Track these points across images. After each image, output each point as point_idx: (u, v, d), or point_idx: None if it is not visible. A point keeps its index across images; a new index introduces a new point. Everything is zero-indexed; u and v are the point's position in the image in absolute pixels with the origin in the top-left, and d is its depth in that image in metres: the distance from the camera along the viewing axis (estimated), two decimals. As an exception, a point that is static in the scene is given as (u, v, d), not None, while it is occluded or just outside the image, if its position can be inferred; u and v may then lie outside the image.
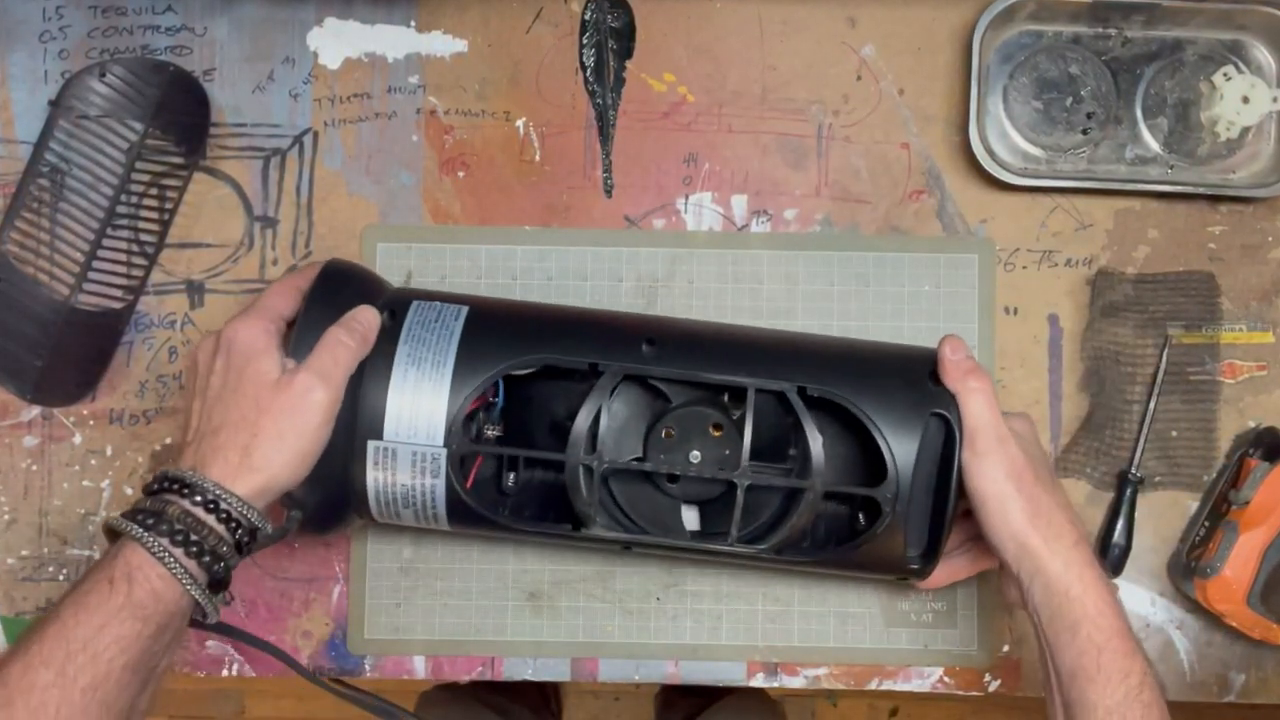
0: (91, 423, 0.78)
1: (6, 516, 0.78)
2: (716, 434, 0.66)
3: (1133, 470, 0.76)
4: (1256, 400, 0.77)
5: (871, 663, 0.77)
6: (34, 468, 0.78)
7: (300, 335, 0.63)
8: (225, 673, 0.77)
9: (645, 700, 1.48)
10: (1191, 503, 0.77)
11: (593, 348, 0.65)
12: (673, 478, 0.66)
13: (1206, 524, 0.76)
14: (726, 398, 0.67)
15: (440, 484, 0.63)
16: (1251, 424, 0.77)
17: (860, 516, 0.68)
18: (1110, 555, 0.76)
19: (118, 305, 0.77)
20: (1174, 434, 0.77)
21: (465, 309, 0.66)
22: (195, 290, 0.78)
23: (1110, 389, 0.77)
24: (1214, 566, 0.72)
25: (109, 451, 0.78)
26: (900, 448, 0.63)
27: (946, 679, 0.77)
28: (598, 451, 0.63)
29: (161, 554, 0.56)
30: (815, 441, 0.63)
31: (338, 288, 0.65)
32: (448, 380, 0.63)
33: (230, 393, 0.60)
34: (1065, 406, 0.78)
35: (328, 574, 0.77)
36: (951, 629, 0.77)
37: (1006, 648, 0.77)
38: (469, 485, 0.66)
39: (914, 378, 0.65)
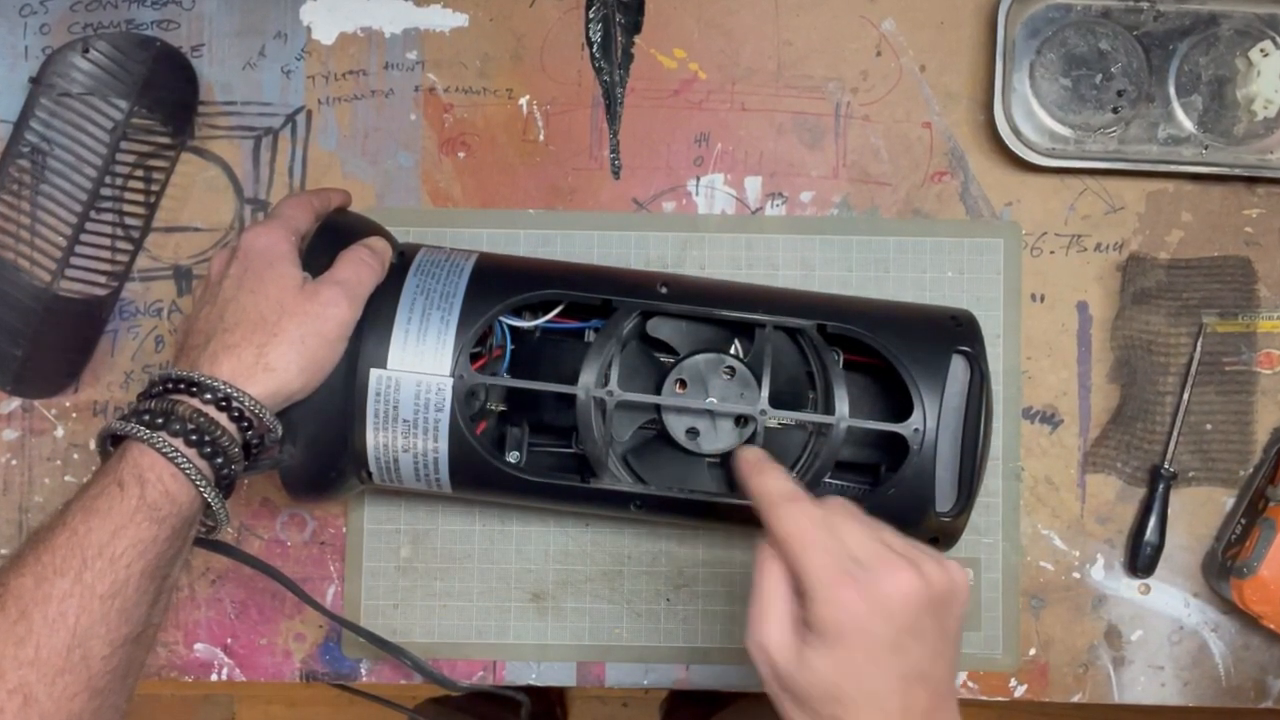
0: (74, 415, 0.76)
1: (-15, 513, 0.76)
2: (729, 378, 0.65)
3: (1165, 465, 0.74)
4: (1295, 391, 0.76)
5: (893, 667, 0.74)
6: (14, 462, 0.76)
7: (311, 255, 0.62)
8: (215, 677, 0.76)
9: (654, 706, 1.46)
10: (1227, 499, 0.76)
11: (607, 290, 0.64)
12: (691, 432, 0.65)
13: (1243, 521, 0.74)
14: (739, 350, 0.66)
15: (444, 420, 0.62)
16: (1290, 416, 0.76)
17: (883, 469, 0.66)
18: (1142, 554, 0.75)
19: (102, 292, 0.75)
20: (1209, 427, 0.75)
21: (475, 255, 0.66)
22: (183, 276, 0.77)
23: (1142, 380, 0.75)
24: (1251, 566, 0.71)
25: (93, 445, 0.75)
26: (924, 385, 0.62)
27: (970, 684, 0.75)
28: (609, 386, 0.62)
29: (173, 454, 0.54)
30: (838, 376, 0.63)
31: (351, 225, 0.66)
32: (456, 311, 0.62)
33: (249, 294, 0.59)
34: (1095, 398, 0.76)
35: (322, 574, 0.75)
36: (975, 631, 0.75)
37: (1033, 651, 0.75)
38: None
39: (936, 319, 0.65)
